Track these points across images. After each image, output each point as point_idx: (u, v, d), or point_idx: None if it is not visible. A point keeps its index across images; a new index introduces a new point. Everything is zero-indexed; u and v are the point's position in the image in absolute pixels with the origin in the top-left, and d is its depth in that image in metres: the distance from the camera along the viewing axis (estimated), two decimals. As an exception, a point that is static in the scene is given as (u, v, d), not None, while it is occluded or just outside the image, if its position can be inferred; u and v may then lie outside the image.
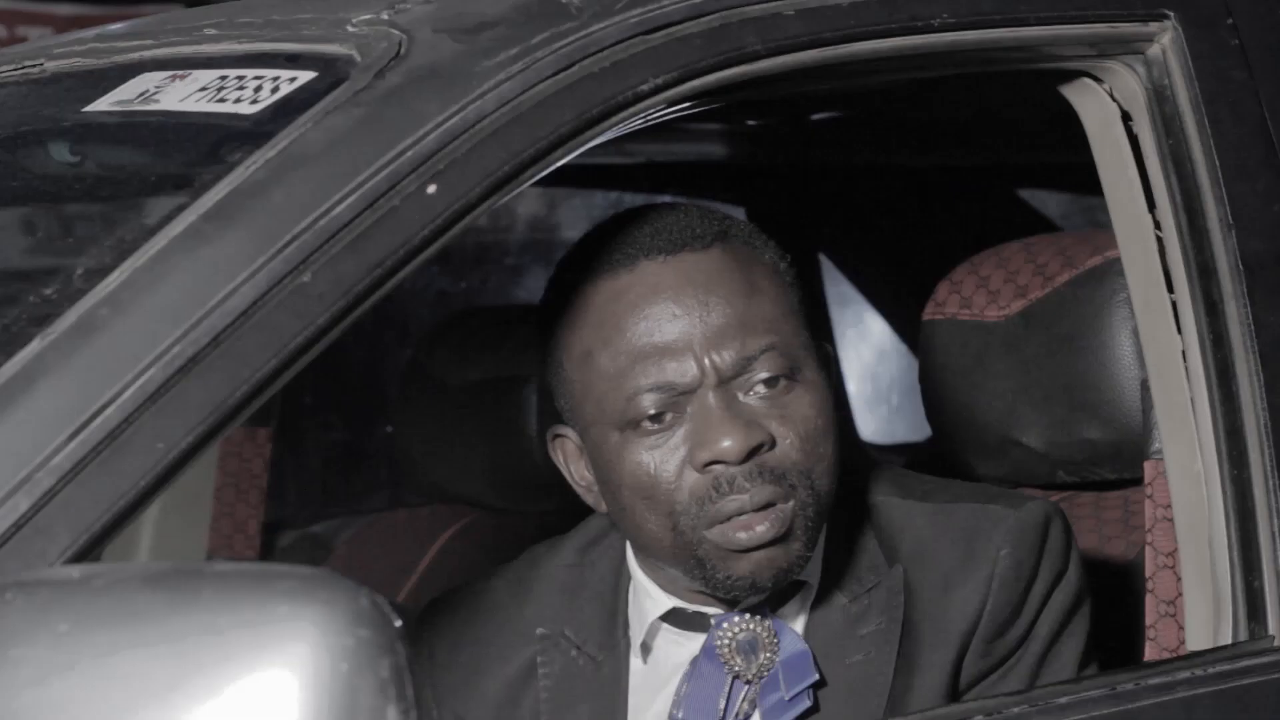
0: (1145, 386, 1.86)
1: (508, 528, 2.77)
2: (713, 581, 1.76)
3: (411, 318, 5.44)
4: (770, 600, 1.80)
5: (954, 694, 1.79)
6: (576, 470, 1.84)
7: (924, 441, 3.45)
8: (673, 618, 1.83)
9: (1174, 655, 1.81)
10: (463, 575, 2.77)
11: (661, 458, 1.74)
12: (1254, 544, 1.75)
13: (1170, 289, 1.80)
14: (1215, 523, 1.77)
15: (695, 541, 1.74)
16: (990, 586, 1.78)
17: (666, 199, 6.50)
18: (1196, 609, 1.79)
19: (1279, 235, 1.80)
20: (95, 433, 1.36)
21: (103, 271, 1.43)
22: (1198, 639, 1.78)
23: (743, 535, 1.73)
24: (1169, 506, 1.83)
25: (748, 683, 1.79)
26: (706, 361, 1.74)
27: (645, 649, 1.85)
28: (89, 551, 1.34)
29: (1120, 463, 2.08)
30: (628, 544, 1.86)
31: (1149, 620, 1.84)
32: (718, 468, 1.73)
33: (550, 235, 6.25)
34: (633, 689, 1.85)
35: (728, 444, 1.72)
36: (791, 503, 1.74)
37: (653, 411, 1.74)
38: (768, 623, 1.79)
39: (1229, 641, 1.75)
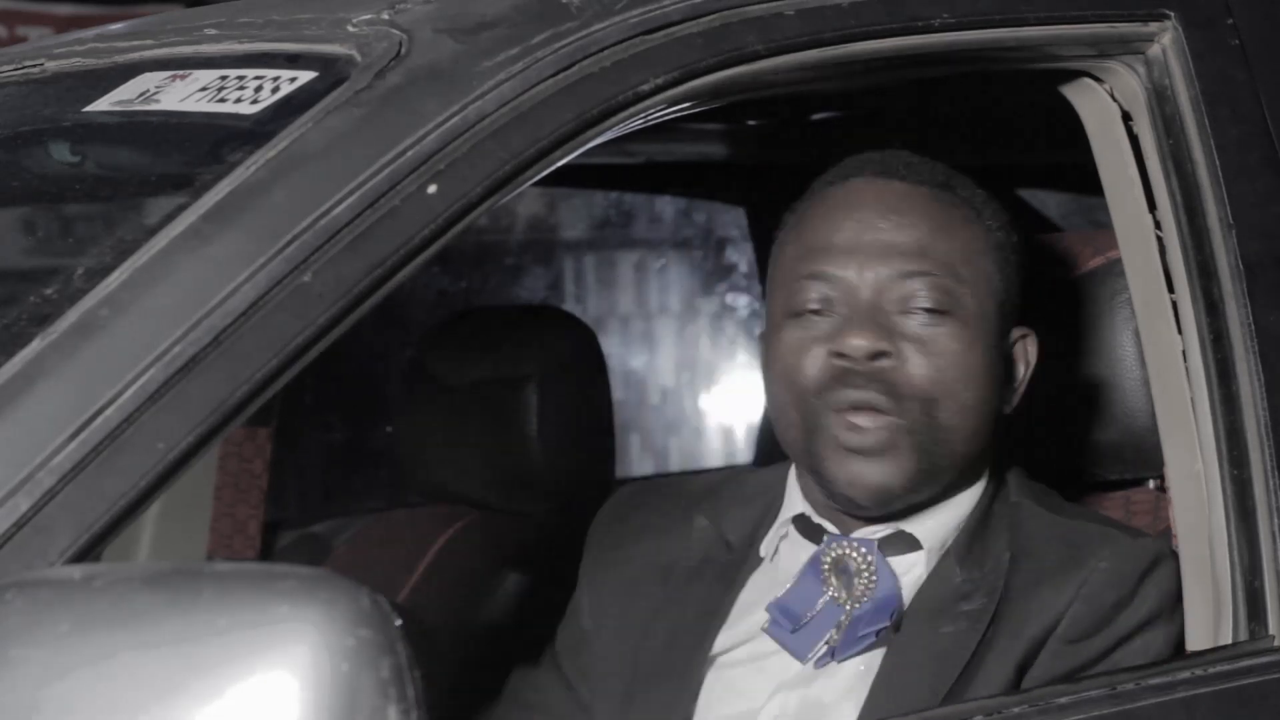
0: (1146, 386, 1.86)
1: (508, 528, 2.77)
2: (822, 481, 1.87)
3: (411, 318, 5.45)
4: (885, 545, 1.88)
5: (1015, 685, 1.80)
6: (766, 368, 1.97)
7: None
8: (799, 524, 1.94)
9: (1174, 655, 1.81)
10: (463, 575, 2.78)
11: (808, 343, 1.87)
12: (1254, 544, 1.75)
13: (1170, 289, 1.80)
14: (1215, 523, 1.77)
15: (814, 430, 1.86)
16: (1079, 591, 1.81)
17: (666, 199, 6.49)
18: (1196, 609, 1.79)
19: (1279, 235, 1.80)
20: (96, 433, 1.36)
21: (103, 271, 1.43)
22: (1198, 639, 1.78)
23: (849, 436, 1.83)
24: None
25: (841, 606, 1.86)
26: (868, 267, 1.86)
27: (777, 548, 1.95)
28: (89, 551, 1.34)
29: (1121, 463, 2.08)
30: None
31: (1150, 620, 1.84)
32: (842, 361, 1.84)
33: (550, 235, 6.25)
34: (754, 583, 1.95)
35: (856, 342, 1.83)
36: (902, 421, 1.83)
37: (813, 304, 1.87)
38: (870, 557, 1.87)
39: (1229, 641, 1.75)
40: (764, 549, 1.96)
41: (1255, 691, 1.71)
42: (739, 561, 1.97)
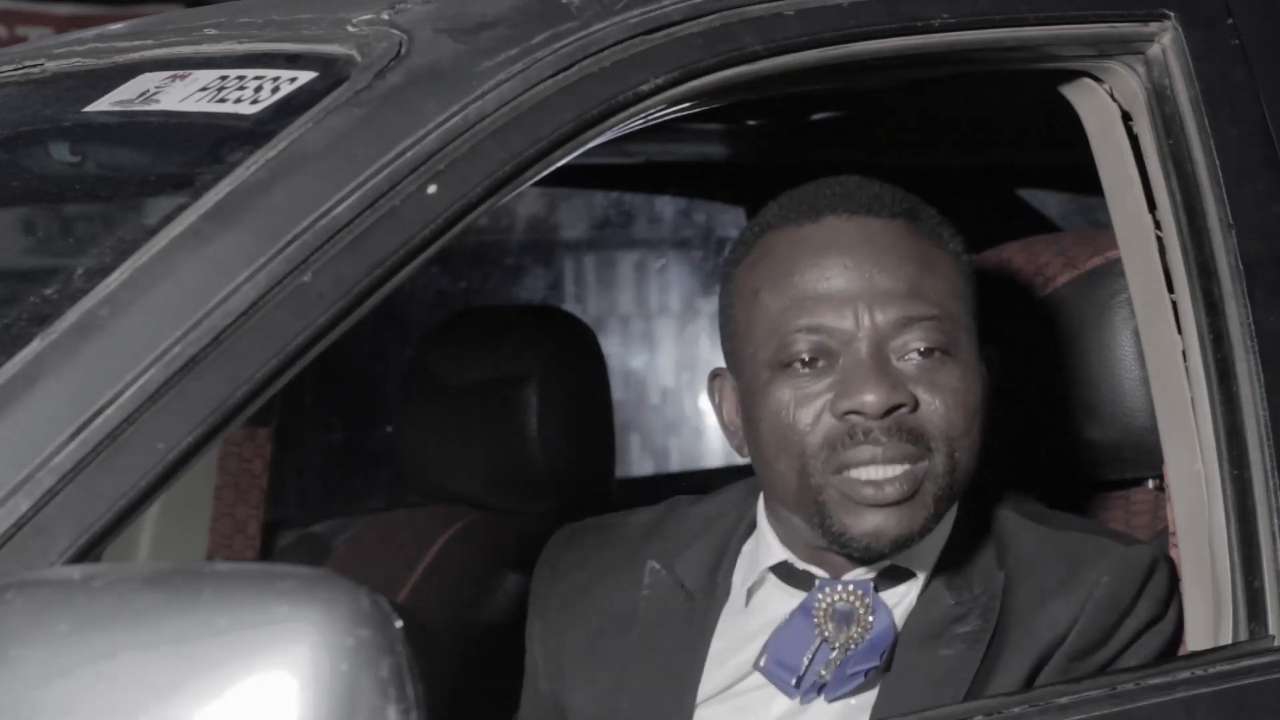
0: (1146, 386, 1.86)
1: (508, 528, 2.77)
2: (830, 533, 1.79)
3: (411, 318, 5.45)
4: (878, 581, 1.83)
5: None
6: (727, 412, 1.90)
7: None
8: (781, 571, 1.87)
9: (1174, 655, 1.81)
10: (463, 575, 2.78)
11: (804, 400, 1.78)
12: (1254, 544, 1.75)
13: (1170, 289, 1.80)
14: (1215, 523, 1.77)
15: (820, 487, 1.78)
16: (1084, 608, 1.79)
17: (666, 199, 6.49)
18: (1196, 609, 1.79)
19: (1279, 235, 1.80)
20: (96, 433, 1.36)
21: (103, 271, 1.43)
22: (1198, 639, 1.78)
23: (869, 491, 1.76)
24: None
25: (833, 649, 1.81)
26: (866, 316, 1.78)
27: (750, 595, 1.89)
28: (89, 551, 1.34)
29: (1120, 463, 2.08)
30: (761, 496, 1.90)
31: (1150, 620, 1.84)
32: (855, 418, 1.76)
33: (550, 235, 6.25)
34: (726, 634, 1.89)
35: (870, 398, 1.75)
36: (925, 464, 1.78)
37: (806, 355, 1.78)
38: (868, 600, 1.82)
39: (1229, 641, 1.75)
40: (734, 596, 1.90)
41: (1255, 691, 1.71)
42: (702, 608, 1.90)
